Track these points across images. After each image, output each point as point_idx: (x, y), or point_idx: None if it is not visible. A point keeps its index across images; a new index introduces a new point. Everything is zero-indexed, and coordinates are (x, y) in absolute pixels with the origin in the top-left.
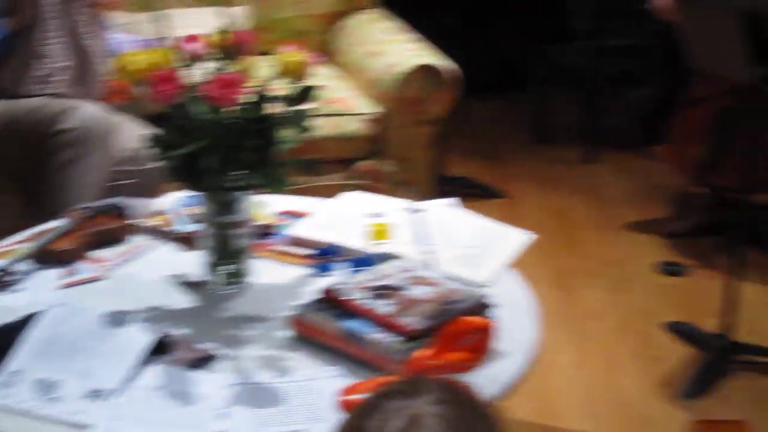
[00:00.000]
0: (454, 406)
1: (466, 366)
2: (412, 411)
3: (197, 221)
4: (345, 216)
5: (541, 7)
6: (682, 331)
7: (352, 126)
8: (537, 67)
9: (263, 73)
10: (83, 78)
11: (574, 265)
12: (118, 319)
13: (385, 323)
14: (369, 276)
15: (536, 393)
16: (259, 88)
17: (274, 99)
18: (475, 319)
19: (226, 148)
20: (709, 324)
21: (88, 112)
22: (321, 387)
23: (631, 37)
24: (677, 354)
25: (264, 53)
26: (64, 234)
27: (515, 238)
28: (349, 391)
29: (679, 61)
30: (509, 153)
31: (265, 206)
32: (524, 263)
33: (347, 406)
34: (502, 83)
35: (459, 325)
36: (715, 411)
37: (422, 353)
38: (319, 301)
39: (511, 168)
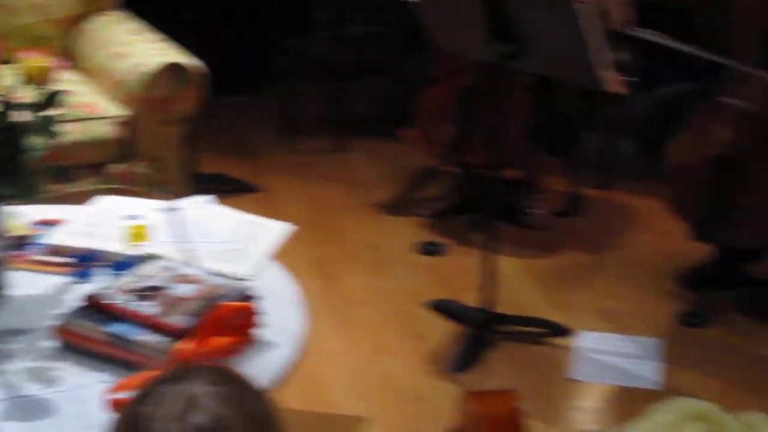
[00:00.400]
0: (228, 386)
1: (232, 350)
2: (188, 392)
3: None
4: (101, 221)
5: (284, 1)
6: (444, 308)
7: (101, 130)
8: (282, 60)
9: (6, 81)
10: None
11: (335, 252)
12: None
13: (151, 324)
14: (131, 278)
15: (306, 381)
16: (4, 97)
17: (20, 107)
18: (236, 303)
19: None
20: (470, 299)
21: None
22: (91, 394)
23: (373, 24)
24: (442, 331)
25: (5, 61)
26: None
27: (274, 230)
28: (116, 389)
29: (422, 43)
30: (261, 147)
31: (19, 217)
32: (285, 254)
33: (115, 405)
34: (249, 78)
35: (220, 311)
36: (483, 382)
37: (185, 344)
38: (82, 308)
39: (265, 162)
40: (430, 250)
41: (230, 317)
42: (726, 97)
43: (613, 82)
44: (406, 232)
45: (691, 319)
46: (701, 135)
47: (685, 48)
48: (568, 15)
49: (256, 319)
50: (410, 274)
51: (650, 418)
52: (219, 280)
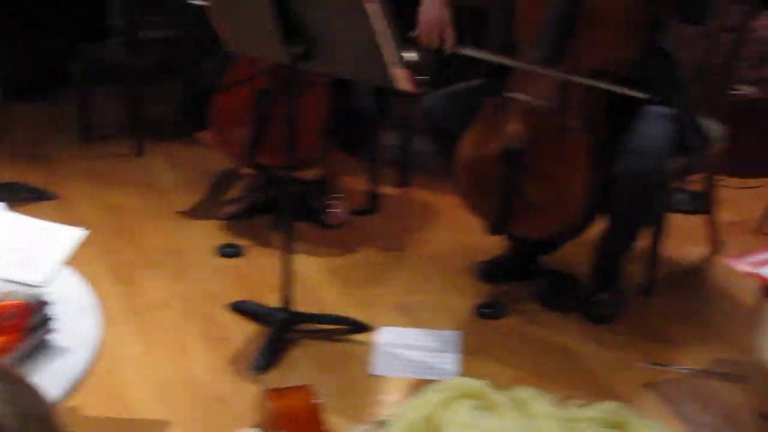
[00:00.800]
0: (1, 383)
1: (5, 349)
2: None
3: None
4: None
5: (78, 5)
6: (245, 309)
7: None
8: (78, 66)
9: None
10: None
11: (135, 257)
12: None
13: None
14: None
15: (107, 388)
16: None
17: None
18: (8, 302)
19: None
20: (270, 299)
21: None
22: None
23: (169, 28)
24: (244, 332)
25: None
26: None
27: (67, 236)
28: None
29: (219, 46)
30: (58, 153)
31: None
32: (83, 260)
33: None
34: (44, 84)
35: None
36: (285, 381)
37: None
38: None
39: (62, 169)
40: (229, 252)
41: (3, 316)
42: (512, 92)
43: (404, 80)
44: (206, 235)
45: (488, 311)
46: (489, 130)
47: (498, 59)
48: (358, 14)
49: (33, 317)
50: (211, 277)
51: (423, 397)
52: (10, 287)
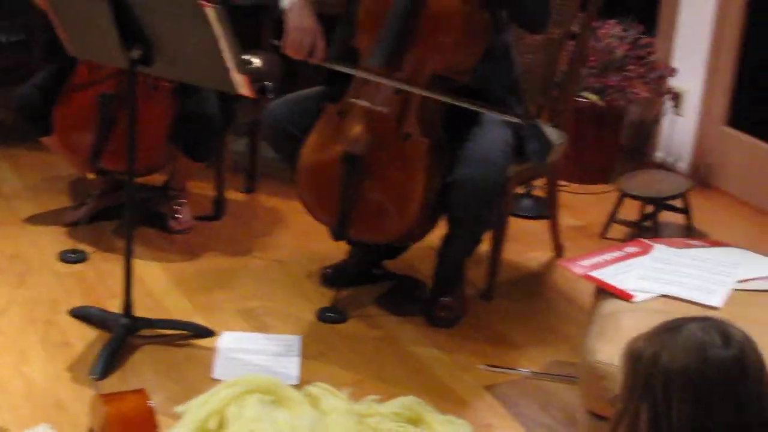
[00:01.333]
0: None
1: None
2: None
3: None
4: None
5: None
6: (86, 315)
7: None
8: None
9: None
10: None
11: None
12: None
13: None
14: None
15: None
16: None
17: None
18: None
19: None
20: (113, 305)
21: None
22: None
23: (15, 32)
24: (85, 338)
25: None
26: None
27: None
28: None
29: (62, 50)
30: None
31: None
32: None
33: None
34: None
35: None
36: (125, 385)
37: None
38: None
39: None
40: (72, 258)
41: None
42: (353, 98)
43: (244, 85)
44: (50, 240)
45: (330, 316)
46: (330, 135)
47: (366, 75)
48: (197, 19)
49: None
50: (53, 282)
51: (214, 392)
52: None
